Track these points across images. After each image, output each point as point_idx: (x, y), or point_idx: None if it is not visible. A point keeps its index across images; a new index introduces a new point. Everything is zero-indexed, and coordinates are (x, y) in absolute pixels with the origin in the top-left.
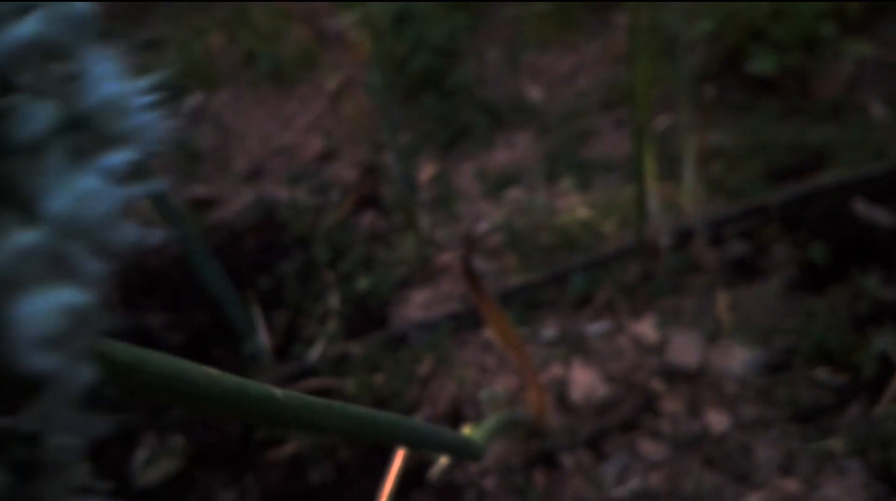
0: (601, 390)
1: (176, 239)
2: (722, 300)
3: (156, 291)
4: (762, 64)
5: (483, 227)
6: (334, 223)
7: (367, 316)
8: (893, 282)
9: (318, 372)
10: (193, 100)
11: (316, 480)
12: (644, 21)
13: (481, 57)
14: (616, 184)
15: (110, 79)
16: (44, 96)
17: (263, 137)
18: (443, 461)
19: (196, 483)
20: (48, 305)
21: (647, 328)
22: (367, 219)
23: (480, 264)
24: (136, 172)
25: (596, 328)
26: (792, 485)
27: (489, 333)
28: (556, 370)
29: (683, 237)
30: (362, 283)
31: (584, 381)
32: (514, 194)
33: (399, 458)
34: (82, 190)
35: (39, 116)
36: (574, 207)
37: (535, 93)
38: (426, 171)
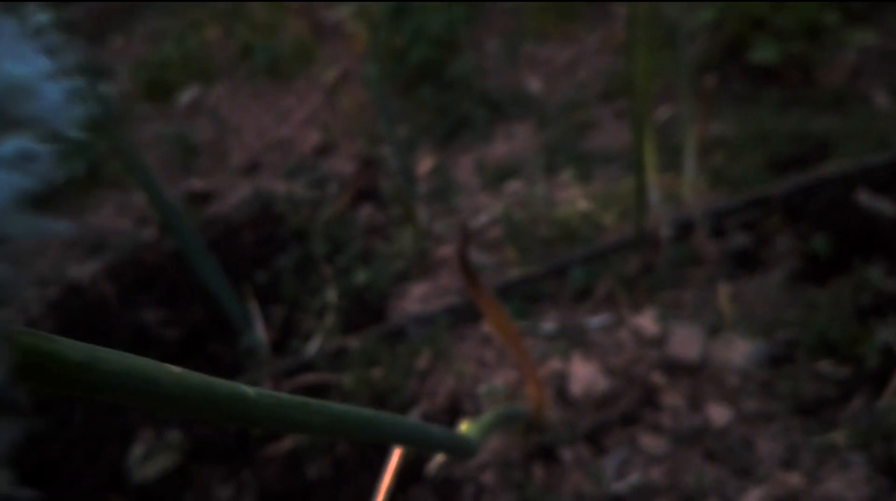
0: (601, 383)
1: (172, 234)
2: (723, 293)
3: (152, 286)
4: (764, 53)
5: (482, 219)
6: (332, 217)
7: (364, 310)
8: None
9: (316, 367)
10: (190, 93)
11: (313, 475)
12: (644, 11)
13: (480, 48)
14: (616, 175)
15: (14, 58)
16: None
17: (260, 131)
18: (440, 456)
19: (193, 478)
20: None
21: (647, 321)
22: (365, 212)
23: (479, 257)
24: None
25: (596, 321)
26: (794, 479)
27: (488, 326)
28: (555, 363)
29: (684, 229)
30: (360, 277)
31: (583, 375)
32: (514, 186)
33: (397, 454)
34: None
35: None
36: (574, 199)
37: (534, 84)
38: (424, 163)
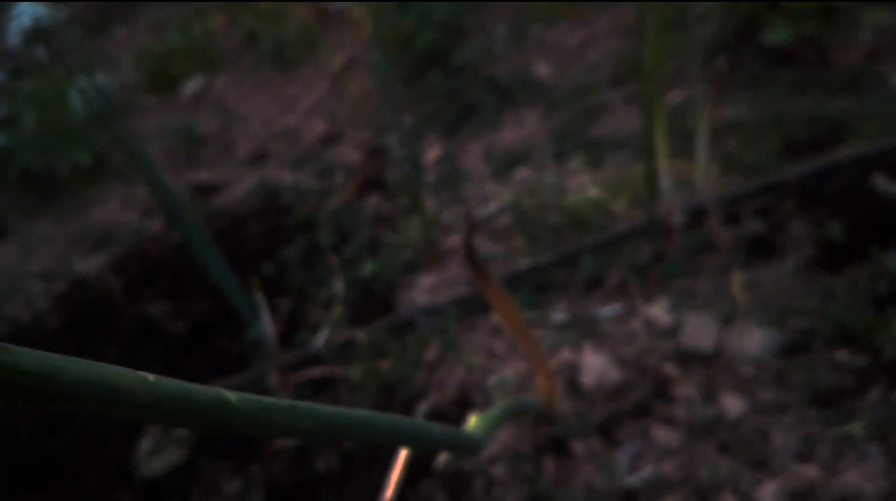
0: (613, 374)
1: (176, 227)
2: (737, 281)
3: (157, 279)
4: (778, 34)
5: (490, 208)
6: (338, 207)
7: (372, 301)
8: None
9: (323, 359)
10: (194, 83)
11: (321, 469)
12: None
13: (487, 33)
14: (627, 161)
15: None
16: None
17: (266, 120)
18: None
19: (200, 472)
20: None
21: (659, 311)
22: (372, 202)
23: (488, 246)
24: None
25: (607, 310)
26: (810, 471)
27: (497, 317)
28: (566, 354)
29: (697, 216)
30: (367, 267)
31: (595, 365)
32: (523, 173)
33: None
34: None
35: None
36: (584, 186)
37: (543, 69)
38: (432, 151)
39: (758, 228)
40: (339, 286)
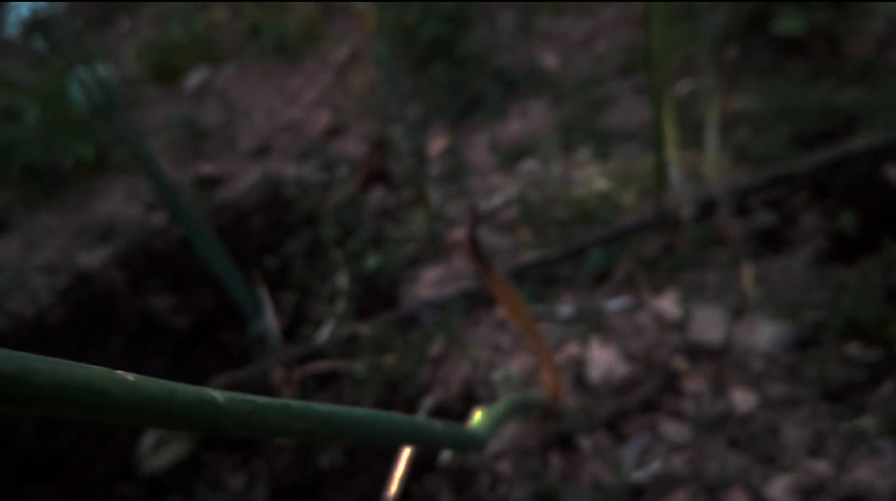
0: (620, 369)
1: (179, 221)
2: (747, 274)
3: (160, 274)
4: (789, 23)
5: (496, 200)
6: (342, 200)
7: (376, 296)
8: None
9: (327, 354)
10: (198, 76)
11: (325, 465)
12: None
13: (493, 23)
14: (635, 153)
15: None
16: None
17: (269, 113)
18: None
19: (204, 467)
20: None
21: (668, 304)
22: (376, 195)
23: (493, 239)
24: None
25: (615, 304)
26: (821, 467)
27: (502, 311)
28: (573, 348)
29: (706, 208)
30: (371, 261)
31: (602, 360)
32: (529, 165)
33: None
34: None
35: None
36: (591, 178)
37: (549, 59)
38: (437, 143)
39: (768, 220)
40: (342, 281)
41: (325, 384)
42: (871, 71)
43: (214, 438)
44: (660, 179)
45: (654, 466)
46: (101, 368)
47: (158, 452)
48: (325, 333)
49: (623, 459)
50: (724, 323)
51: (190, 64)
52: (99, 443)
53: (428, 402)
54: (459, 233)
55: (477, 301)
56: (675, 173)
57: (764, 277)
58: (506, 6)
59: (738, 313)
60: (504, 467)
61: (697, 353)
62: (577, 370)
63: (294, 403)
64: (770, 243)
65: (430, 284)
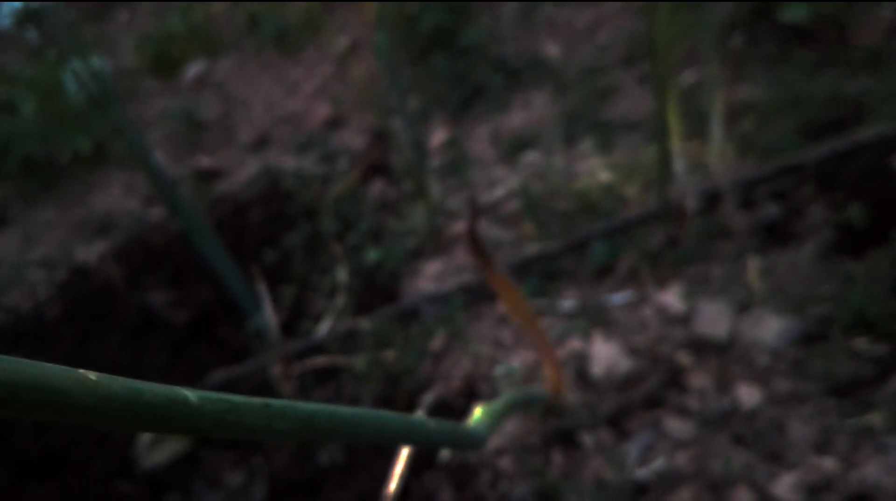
0: (623, 364)
1: (176, 214)
2: (753, 267)
3: (159, 268)
4: (795, 12)
5: (497, 193)
6: (342, 193)
7: (376, 290)
8: None
9: (327, 349)
10: (196, 67)
11: (325, 461)
12: None
13: (495, 12)
14: (639, 144)
15: None
16: None
17: (268, 105)
18: None
19: (203, 464)
20: None
21: (672, 298)
22: (376, 188)
23: (495, 232)
24: None
25: (618, 298)
26: (828, 464)
27: (503, 305)
28: (575, 343)
29: (711, 200)
30: (371, 255)
31: (605, 355)
32: (531, 157)
33: None
34: None
35: None
36: (594, 169)
37: (552, 49)
38: (438, 135)
39: (774, 212)
40: (342, 274)
41: (325, 380)
42: (879, 60)
43: None
44: (664, 171)
45: (658, 463)
46: (59, 366)
47: (156, 449)
48: (324, 327)
49: (626, 456)
50: (729, 317)
51: (188, 56)
52: (97, 440)
53: (428, 397)
54: (460, 226)
55: (478, 295)
56: (679, 165)
57: (770, 270)
58: None
59: (744, 307)
60: (505, 463)
61: (702, 348)
62: (580, 365)
63: (273, 402)
64: (776, 235)
65: (430, 278)
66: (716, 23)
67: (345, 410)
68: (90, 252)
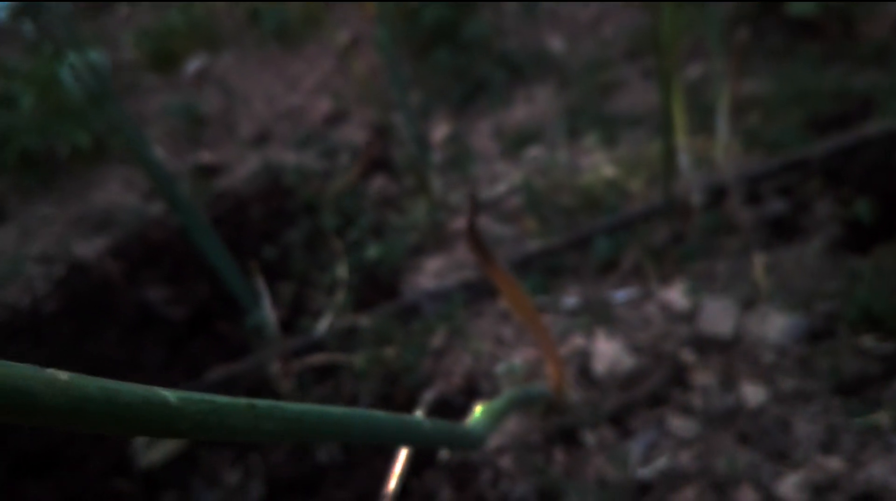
0: (626, 361)
1: (175, 210)
2: (758, 263)
3: (158, 264)
4: (803, 5)
5: (500, 188)
6: (343, 188)
7: (377, 286)
8: None
9: (326, 346)
10: (197, 62)
11: (323, 460)
12: None
13: (498, 6)
14: (643, 139)
15: None
16: None
17: (269, 100)
18: None
19: (200, 462)
20: None
21: (676, 294)
22: (377, 183)
23: (497, 228)
24: None
25: (621, 294)
26: (834, 463)
27: (505, 302)
28: (577, 340)
29: (716, 195)
30: (372, 251)
31: (607, 352)
32: (534, 152)
33: None
34: None
35: None
36: (598, 164)
37: (555, 43)
38: (439, 130)
39: (780, 207)
40: (342, 271)
41: (324, 377)
42: (886, 54)
43: None
44: (668, 166)
45: (661, 462)
46: (26, 365)
47: (154, 447)
48: (324, 324)
49: (629, 454)
50: (733, 314)
51: (189, 50)
52: (95, 438)
53: (429, 395)
54: (462, 222)
55: (480, 292)
56: (684, 160)
57: (775, 266)
58: None
59: (749, 303)
60: (506, 462)
61: (706, 345)
62: (582, 362)
63: (259, 402)
64: (782, 231)
65: (431, 274)
66: (721, 16)
67: (336, 410)
68: (88, 248)
